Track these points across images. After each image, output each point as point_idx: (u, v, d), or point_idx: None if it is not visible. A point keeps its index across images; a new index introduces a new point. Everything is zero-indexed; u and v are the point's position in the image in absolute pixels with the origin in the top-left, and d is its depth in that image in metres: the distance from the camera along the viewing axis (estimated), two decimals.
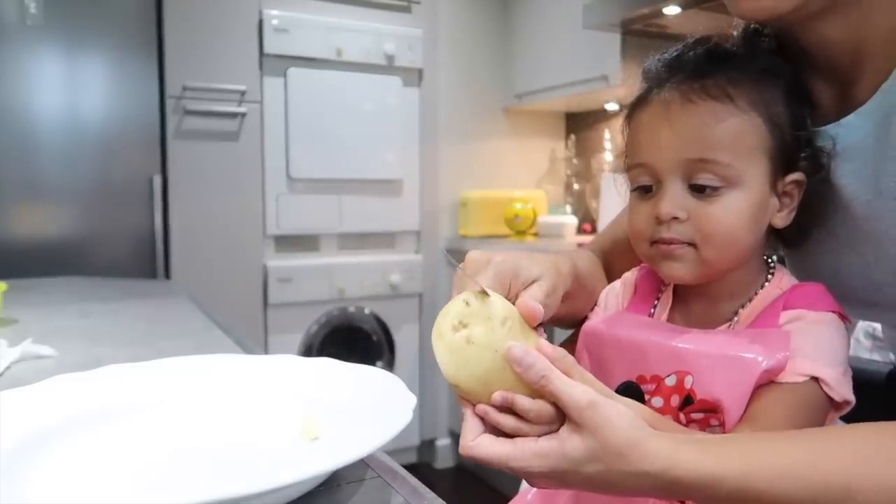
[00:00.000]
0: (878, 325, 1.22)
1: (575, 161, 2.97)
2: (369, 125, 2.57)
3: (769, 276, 0.64)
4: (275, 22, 2.37)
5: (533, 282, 0.60)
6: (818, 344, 0.57)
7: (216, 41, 2.32)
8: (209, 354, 0.74)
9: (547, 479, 0.50)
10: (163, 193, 2.27)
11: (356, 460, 0.45)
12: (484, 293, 0.52)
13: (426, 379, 2.73)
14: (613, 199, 2.09)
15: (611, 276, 0.78)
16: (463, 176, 2.86)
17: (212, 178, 2.34)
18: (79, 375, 0.64)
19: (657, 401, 0.61)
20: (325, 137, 2.50)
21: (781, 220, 0.63)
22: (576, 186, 2.96)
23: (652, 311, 0.68)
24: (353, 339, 2.60)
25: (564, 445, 0.49)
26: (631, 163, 0.65)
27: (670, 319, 0.67)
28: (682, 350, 0.60)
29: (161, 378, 0.66)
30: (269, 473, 0.40)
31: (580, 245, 2.22)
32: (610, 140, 2.77)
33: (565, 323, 0.74)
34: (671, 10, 1.98)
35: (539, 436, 0.50)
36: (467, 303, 0.52)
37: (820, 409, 0.57)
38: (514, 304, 0.54)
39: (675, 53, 0.65)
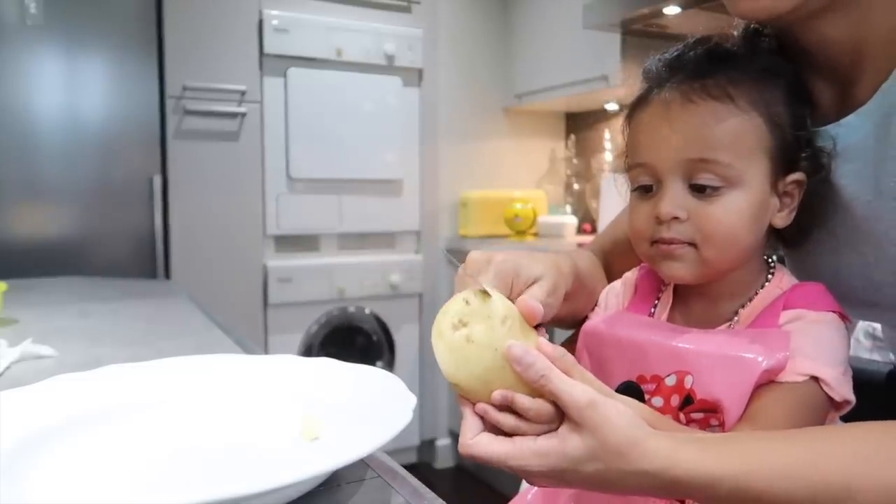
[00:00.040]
0: (878, 325, 1.22)
1: (575, 161, 2.97)
2: (369, 125, 2.57)
3: (769, 276, 0.64)
4: (275, 22, 2.37)
5: (534, 281, 0.60)
6: (818, 343, 0.57)
7: (216, 41, 2.32)
8: (209, 354, 0.74)
9: (546, 478, 0.50)
10: (163, 193, 2.27)
11: (356, 460, 0.45)
12: (484, 292, 0.52)
13: (426, 379, 2.73)
14: (613, 199, 2.09)
15: (611, 276, 0.78)
16: (463, 176, 2.86)
17: (212, 178, 2.34)
18: (79, 375, 0.64)
19: (657, 400, 0.61)
20: (325, 137, 2.50)
21: (782, 220, 0.63)
22: (576, 186, 2.96)
23: (652, 310, 0.68)
24: (353, 339, 2.60)
25: (564, 444, 0.49)
26: (631, 163, 0.65)
27: (670, 319, 0.67)
28: (682, 350, 0.60)
29: (161, 378, 0.66)
30: (269, 473, 0.40)
31: (580, 245, 2.22)
32: (610, 140, 2.77)
33: (566, 323, 0.74)
34: (671, 10, 1.98)
35: (538, 435, 0.50)
36: (467, 301, 0.52)
37: (820, 409, 0.57)
38: (515, 303, 0.55)
39: (675, 53, 0.65)
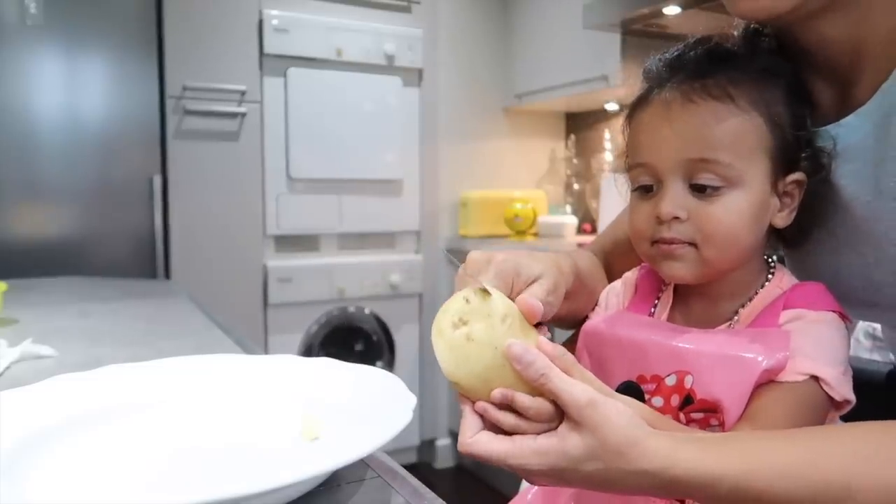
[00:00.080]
0: (877, 325, 1.22)
1: (575, 161, 2.97)
2: (369, 125, 2.57)
3: (769, 276, 0.64)
4: (275, 22, 2.37)
5: (535, 280, 0.60)
6: (818, 343, 0.57)
7: (216, 41, 2.32)
8: (209, 354, 0.74)
9: (546, 476, 0.50)
10: (163, 193, 2.27)
11: (356, 460, 0.45)
12: (484, 290, 0.52)
13: (426, 379, 2.73)
14: (613, 199, 2.09)
15: (611, 276, 0.78)
16: (463, 176, 2.86)
17: (212, 178, 2.34)
18: (79, 375, 0.64)
19: (657, 400, 0.61)
20: (325, 137, 2.50)
21: (782, 219, 0.63)
22: (576, 186, 2.96)
23: (652, 310, 0.68)
24: (353, 339, 2.60)
25: (564, 443, 0.49)
26: (632, 163, 0.65)
27: (671, 319, 0.67)
28: (682, 350, 0.60)
29: (161, 378, 0.66)
30: (269, 473, 0.40)
31: (580, 245, 2.22)
32: (610, 140, 2.77)
33: (566, 322, 0.74)
34: (671, 10, 1.98)
35: (538, 433, 0.50)
36: (467, 300, 0.52)
37: (820, 409, 0.57)
38: (515, 301, 0.55)
39: (675, 53, 0.65)
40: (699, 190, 0.60)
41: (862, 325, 1.30)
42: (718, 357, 0.58)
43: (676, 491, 0.49)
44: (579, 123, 3.00)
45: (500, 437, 0.51)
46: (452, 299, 0.54)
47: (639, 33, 2.24)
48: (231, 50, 2.34)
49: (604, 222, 2.46)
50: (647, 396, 0.62)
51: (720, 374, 0.58)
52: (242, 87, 2.35)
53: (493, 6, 2.88)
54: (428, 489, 0.50)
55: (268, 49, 2.37)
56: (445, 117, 2.80)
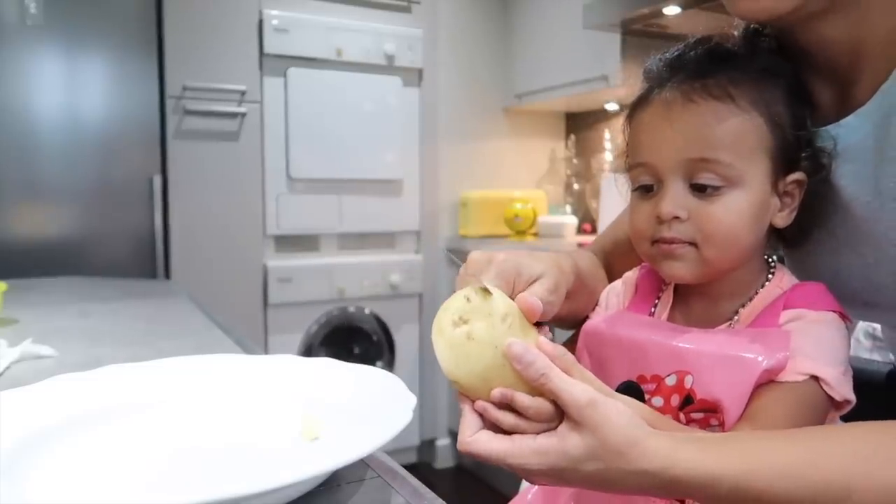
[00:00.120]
0: (878, 326, 1.22)
1: (575, 161, 2.97)
2: (369, 125, 2.57)
3: (770, 276, 0.64)
4: (275, 22, 2.37)
5: (536, 280, 0.60)
6: (818, 343, 0.57)
7: (216, 41, 2.32)
8: (209, 354, 0.74)
9: (545, 476, 0.50)
10: (163, 193, 2.27)
11: (356, 460, 0.45)
12: (485, 289, 0.52)
13: (426, 379, 2.73)
14: (613, 199, 2.09)
15: (612, 276, 0.78)
16: (463, 176, 2.86)
17: (212, 178, 2.34)
18: (79, 375, 0.65)
19: (657, 400, 0.61)
20: (325, 137, 2.50)
21: (782, 219, 0.63)
22: (576, 186, 2.96)
23: (652, 310, 0.68)
24: (353, 339, 2.60)
25: (564, 443, 0.49)
26: (632, 162, 0.65)
27: (671, 319, 0.67)
28: (682, 349, 0.60)
29: (161, 378, 0.66)
30: (269, 473, 0.40)
31: (580, 245, 2.22)
32: (610, 140, 2.77)
33: (567, 322, 0.74)
34: (671, 10, 1.98)
35: (538, 433, 0.50)
36: (468, 299, 0.52)
37: (820, 409, 0.57)
38: (515, 300, 0.54)
39: (676, 53, 0.65)
40: (699, 190, 0.60)
41: (862, 325, 1.30)
42: (718, 357, 0.58)
43: (676, 491, 0.49)
44: (579, 123, 3.00)
45: (500, 436, 0.51)
46: (453, 298, 0.53)
47: (639, 33, 2.24)
48: (231, 50, 2.34)
49: (604, 222, 2.46)
50: (647, 396, 0.62)
51: (720, 374, 0.58)
52: (242, 87, 2.35)
53: (493, 6, 2.88)
54: (428, 489, 0.50)
55: (268, 49, 2.37)
56: (445, 117, 2.80)
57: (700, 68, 0.61)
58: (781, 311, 0.60)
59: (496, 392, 0.50)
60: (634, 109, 0.66)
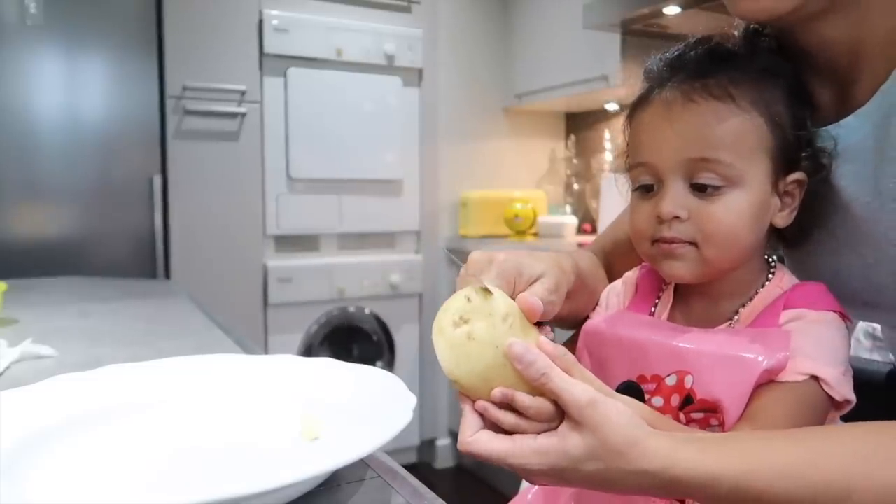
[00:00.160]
0: (878, 326, 1.22)
1: (575, 161, 2.97)
2: (369, 125, 2.57)
3: (770, 276, 0.64)
4: (275, 22, 2.37)
5: (536, 279, 0.60)
6: (818, 343, 0.57)
7: (216, 41, 2.32)
8: (209, 354, 0.74)
9: (546, 476, 0.50)
10: (163, 193, 2.27)
11: (356, 460, 0.45)
12: (485, 289, 0.52)
13: (426, 379, 2.73)
14: (613, 199, 2.09)
15: (612, 276, 0.78)
16: (463, 176, 2.86)
17: (212, 178, 2.34)
18: (79, 375, 0.64)
19: (657, 400, 0.61)
20: (325, 137, 2.50)
21: (783, 219, 0.63)
22: (576, 186, 2.96)
23: (653, 310, 0.68)
24: (353, 339, 2.60)
25: (564, 443, 0.49)
26: (632, 162, 0.65)
27: (671, 318, 0.67)
28: (682, 349, 0.60)
29: (161, 378, 0.66)
30: (269, 473, 0.40)
31: (580, 245, 2.22)
32: (610, 140, 2.77)
33: (567, 322, 0.74)
34: (671, 10, 1.98)
35: (538, 433, 0.50)
36: (468, 299, 0.52)
37: (820, 409, 0.57)
38: (516, 300, 0.54)
39: (676, 53, 0.65)
40: (700, 189, 0.60)
41: (862, 325, 1.30)
42: (719, 357, 0.58)
43: (676, 491, 0.49)
44: (579, 123, 3.00)
45: (501, 436, 0.51)
46: (454, 298, 0.53)
47: (639, 33, 2.24)
48: (231, 50, 2.34)
49: (604, 222, 2.46)
50: (647, 396, 0.62)
51: (720, 373, 0.58)
52: (242, 87, 2.35)
53: (493, 6, 2.88)
54: (428, 489, 0.50)
55: (268, 49, 2.37)
56: (445, 117, 2.80)
57: (700, 68, 0.61)
58: (781, 311, 0.60)
59: (497, 392, 0.50)
60: (635, 109, 0.66)
